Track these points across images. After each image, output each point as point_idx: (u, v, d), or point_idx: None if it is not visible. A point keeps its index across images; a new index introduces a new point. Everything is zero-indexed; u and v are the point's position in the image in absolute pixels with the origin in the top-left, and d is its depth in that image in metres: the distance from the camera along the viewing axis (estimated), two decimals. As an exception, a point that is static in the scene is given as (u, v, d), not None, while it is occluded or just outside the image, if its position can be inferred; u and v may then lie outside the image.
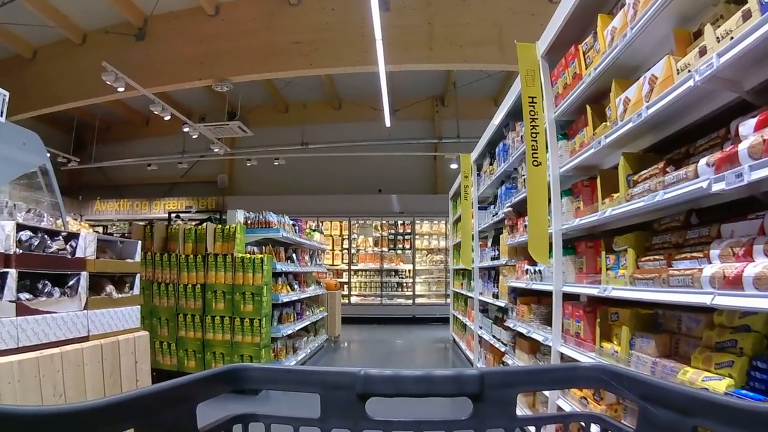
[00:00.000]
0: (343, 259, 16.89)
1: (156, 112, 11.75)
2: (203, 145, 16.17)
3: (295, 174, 17.59)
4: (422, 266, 16.63)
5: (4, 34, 12.20)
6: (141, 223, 7.84)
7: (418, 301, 16.19)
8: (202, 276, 6.95)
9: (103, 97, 12.48)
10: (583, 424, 1.21)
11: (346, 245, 16.89)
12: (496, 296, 6.77)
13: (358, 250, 16.98)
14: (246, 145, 16.93)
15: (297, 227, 9.21)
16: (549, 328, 4.38)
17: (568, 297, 4.03)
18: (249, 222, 7.86)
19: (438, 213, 15.75)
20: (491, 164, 7.38)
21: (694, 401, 0.88)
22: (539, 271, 4.72)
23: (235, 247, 6.91)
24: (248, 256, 6.78)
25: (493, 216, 7.21)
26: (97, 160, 17.97)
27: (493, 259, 7.01)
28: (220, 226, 7.18)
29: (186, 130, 13.50)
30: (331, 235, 16.78)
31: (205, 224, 7.12)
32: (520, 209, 5.80)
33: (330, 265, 16.31)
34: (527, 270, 5.12)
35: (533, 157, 4.35)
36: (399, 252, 16.74)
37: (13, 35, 12.44)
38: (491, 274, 7.46)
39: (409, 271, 16.47)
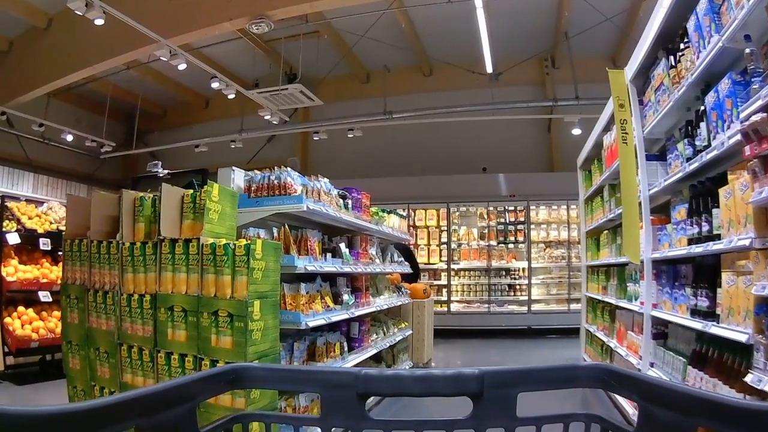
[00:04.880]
0: (441, 256, 13.46)
1: (164, 59, 9.08)
2: (268, 125, 13.72)
3: (380, 154, 14.66)
4: (539, 263, 13.07)
5: (16, 3, 10.57)
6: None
7: (535, 307, 12.72)
8: (153, 279, 3.95)
9: (122, 57, 10.44)
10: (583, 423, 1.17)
11: (444, 239, 13.45)
12: (705, 314, 3.39)
13: (459, 245, 13.50)
14: (321, 120, 14.13)
15: (351, 201, 6.08)
16: None
17: None
18: (253, 188, 4.81)
19: (556, 195, 12.52)
20: (674, 66, 4.04)
21: (695, 401, 0.86)
22: None
23: (206, 228, 3.84)
24: (222, 242, 3.68)
25: (686, 161, 3.83)
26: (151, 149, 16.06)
27: (698, 240, 3.57)
28: (190, 192, 4.12)
29: (215, 85, 10.69)
30: (426, 227, 13.53)
31: (160, 189, 4.05)
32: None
33: (425, 263, 13.09)
34: None
35: None
36: (510, 246, 13.24)
37: (25, 4, 10.71)
38: (680, 273, 4.06)
39: (524, 269, 13.02)
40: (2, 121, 12.26)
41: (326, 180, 5.49)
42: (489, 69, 11.24)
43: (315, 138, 14.05)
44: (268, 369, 1.19)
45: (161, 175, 8.34)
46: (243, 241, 3.64)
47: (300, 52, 11.31)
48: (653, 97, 4.60)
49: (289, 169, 4.82)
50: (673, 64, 4.06)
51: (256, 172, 4.92)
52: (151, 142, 16.55)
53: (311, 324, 4.45)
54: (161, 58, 8.92)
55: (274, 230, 4.77)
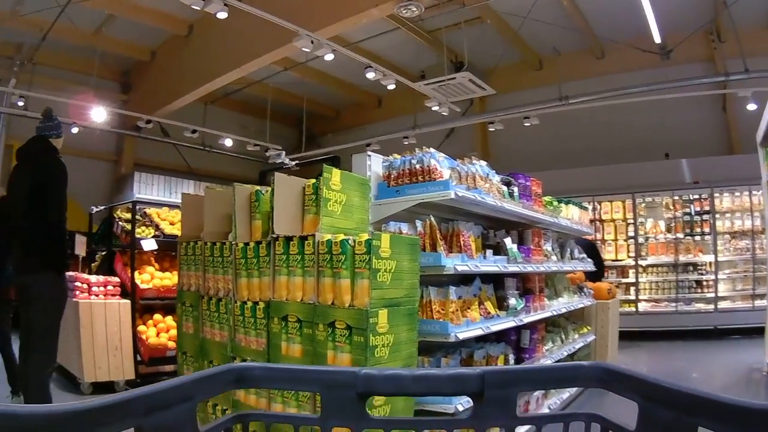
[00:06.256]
0: (629, 251, 12.61)
1: (306, 50, 8.74)
2: (441, 120, 13.40)
3: (560, 144, 13.98)
4: (725, 257, 11.86)
5: (156, 14, 11.15)
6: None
7: (721, 305, 11.58)
8: (268, 285, 3.42)
9: (268, 56, 10.40)
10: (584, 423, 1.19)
11: (631, 232, 12.57)
12: None
13: (647, 239, 12.55)
14: (496, 111, 13.65)
15: (517, 188, 5.28)
16: None
17: None
18: (393, 175, 4.21)
19: (738, 180, 11.46)
20: None
21: (695, 401, 0.87)
22: None
23: (323, 222, 3.25)
24: (339, 238, 3.06)
25: None
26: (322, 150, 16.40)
27: None
28: (311, 182, 3.55)
29: (370, 76, 10.22)
30: (612, 220, 12.76)
31: (272, 180, 3.52)
32: None
33: (612, 260, 12.36)
34: None
35: None
36: (696, 238, 12.09)
37: (164, 14, 11.28)
38: None
39: (710, 264, 11.83)
40: (149, 130, 12.76)
41: (483, 163, 4.76)
42: (657, 40, 10.51)
43: (491, 129, 13.51)
44: (268, 368, 1.19)
45: (288, 165, 7.98)
46: (364, 236, 2.99)
47: (464, 40, 10.92)
48: None
49: (432, 150, 4.16)
50: None
51: (396, 156, 4.31)
52: (325, 145, 16.78)
53: (462, 335, 3.75)
54: (303, 48, 8.60)
55: (419, 224, 4.11)
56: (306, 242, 3.20)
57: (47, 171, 4.59)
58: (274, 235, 3.36)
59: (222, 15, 7.69)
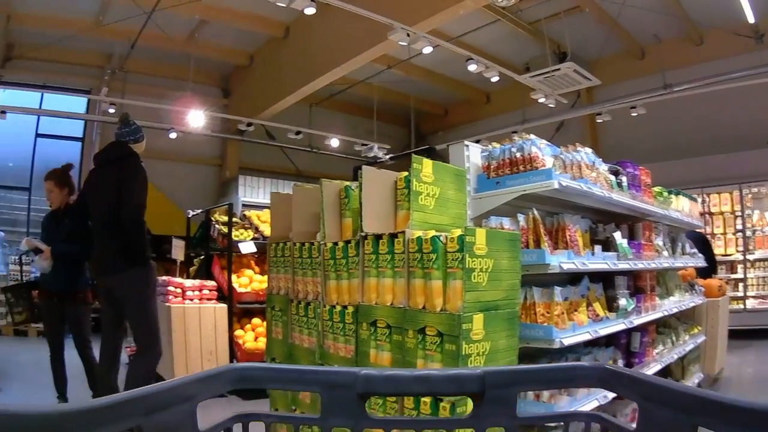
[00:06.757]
0: (737, 245, 12.11)
1: (403, 43, 8.65)
2: (549, 114, 13.36)
3: (662, 133, 13.54)
4: None
5: (252, 19, 11.51)
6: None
7: None
8: (357, 287, 3.22)
9: (366, 54, 10.44)
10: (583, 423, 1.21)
11: (739, 225, 12.08)
12: None
13: (754, 232, 12.05)
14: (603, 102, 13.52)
15: (626, 178, 4.85)
16: None
17: None
18: (493, 165, 3.88)
19: None
20: None
21: (695, 401, 0.88)
22: None
23: (414, 217, 3.01)
24: (429, 235, 2.79)
25: None
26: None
27: None
28: (403, 175, 3.31)
29: (472, 68, 10.12)
30: (721, 213, 12.29)
31: (360, 174, 3.30)
32: None
33: (721, 255, 11.76)
34: None
35: None
36: None
37: (261, 18, 11.61)
38: None
39: None
40: (252, 133, 12.98)
41: (589, 150, 4.37)
42: (751, 20, 10.20)
43: (598, 120, 13.29)
44: (268, 368, 1.19)
45: (381, 159, 7.79)
46: (457, 232, 2.70)
47: (565, 30, 10.94)
48: None
49: (533, 136, 3.83)
50: None
51: (494, 145, 4.00)
52: (434, 143, 16.80)
53: (568, 341, 3.38)
54: (399, 42, 8.49)
55: (521, 218, 3.77)
56: (396, 240, 2.95)
57: (126, 175, 4.70)
58: (363, 234, 3.15)
59: (310, 11, 7.71)
